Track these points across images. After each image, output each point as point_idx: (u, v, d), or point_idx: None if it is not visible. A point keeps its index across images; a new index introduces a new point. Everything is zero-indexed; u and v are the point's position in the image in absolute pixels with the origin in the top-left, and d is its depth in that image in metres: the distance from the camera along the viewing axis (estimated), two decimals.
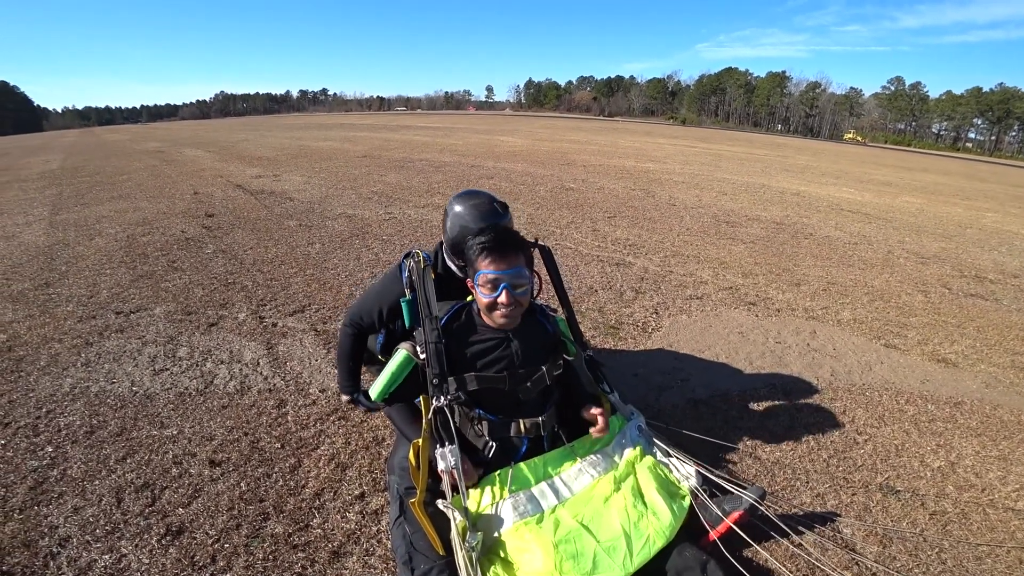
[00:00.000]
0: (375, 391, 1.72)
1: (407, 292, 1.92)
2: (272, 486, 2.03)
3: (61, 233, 5.84)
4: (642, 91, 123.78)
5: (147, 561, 1.69)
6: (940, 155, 49.70)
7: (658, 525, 1.56)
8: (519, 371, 1.72)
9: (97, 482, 2.04)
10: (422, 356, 1.68)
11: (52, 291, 4.06)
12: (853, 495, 2.10)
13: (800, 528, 1.88)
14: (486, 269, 1.62)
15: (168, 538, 1.78)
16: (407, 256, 1.96)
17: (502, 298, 1.62)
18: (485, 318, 1.73)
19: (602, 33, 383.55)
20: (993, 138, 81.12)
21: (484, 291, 1.64)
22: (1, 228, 6.19)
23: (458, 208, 1.91)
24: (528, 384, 1.74)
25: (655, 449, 1.87)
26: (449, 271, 2.03)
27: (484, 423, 1.72)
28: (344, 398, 2.39)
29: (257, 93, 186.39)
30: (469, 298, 1.84)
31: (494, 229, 1.71)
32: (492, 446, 1.70)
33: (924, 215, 9.08)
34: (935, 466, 2.33)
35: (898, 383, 3.07)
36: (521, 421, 1.73)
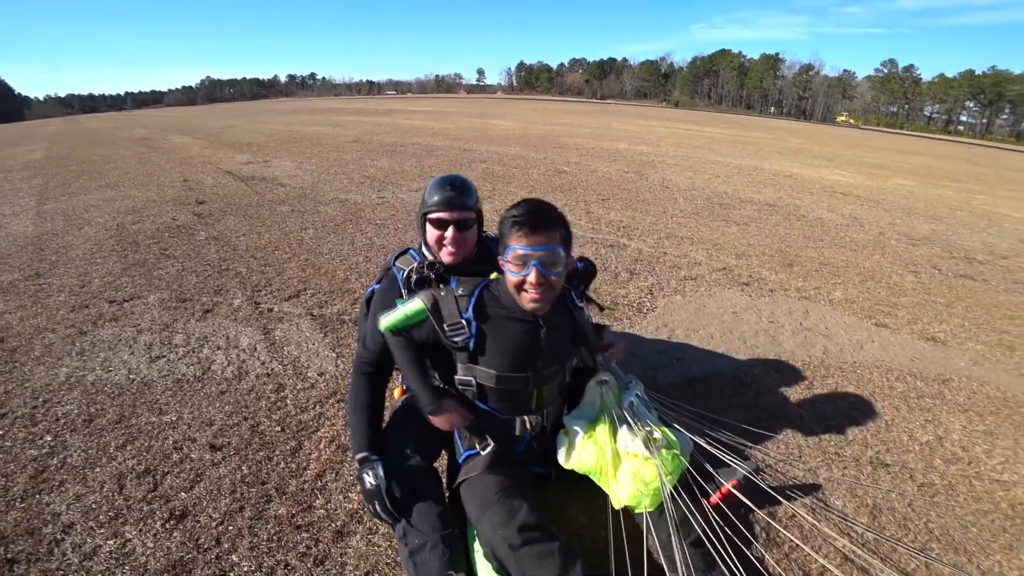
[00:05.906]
0: (384, 323, 1.62)
1: (404, 293, 1.77)
2: (274, 469, 2.05)
3: (49, 223, 5.77)
4: (635, 73, 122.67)
5: (152, 545, 1.70)
6: (932, 138, 49.77)
7: (667, 466, 1.52)
8: (543, 372, 1.60)
9: (98, 469, 2.05)
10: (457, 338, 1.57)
11: (43, 281, 4.02)
12: (844, 469, 2.15)
13: (793, 499, 1.93)
14: (516, 244, 1.45)
15: (172, 522, 1.80)
16: (398, 256, 1.89)
17: (531, 277, 1.44)
18: (515, 298, 1.54)
19: (595, 14, 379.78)
20: (984, 121, 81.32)
21: (512, 268, 1.48)
22: None
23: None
24: (547, 385, 1.65)
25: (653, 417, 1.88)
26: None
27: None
28: (357, 456, 1.66)
29: (244, 78, 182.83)
30: (494, 275, 1.66)
31: (529, 202, 1.53)
32: (490, 446, 1.62)
33: (915, 197, 9.13)
34: (924, 440, 2.39)
35: (888, 361, 3.12)
36: (526, 418, 1.64)
